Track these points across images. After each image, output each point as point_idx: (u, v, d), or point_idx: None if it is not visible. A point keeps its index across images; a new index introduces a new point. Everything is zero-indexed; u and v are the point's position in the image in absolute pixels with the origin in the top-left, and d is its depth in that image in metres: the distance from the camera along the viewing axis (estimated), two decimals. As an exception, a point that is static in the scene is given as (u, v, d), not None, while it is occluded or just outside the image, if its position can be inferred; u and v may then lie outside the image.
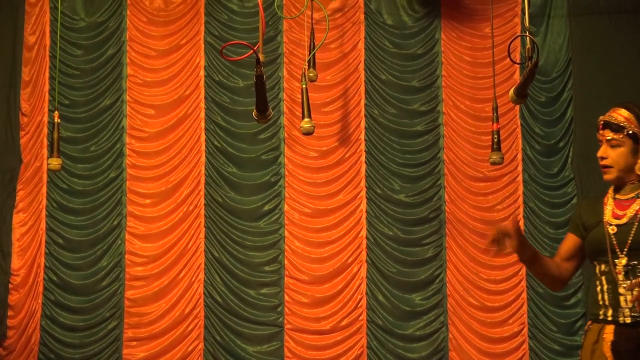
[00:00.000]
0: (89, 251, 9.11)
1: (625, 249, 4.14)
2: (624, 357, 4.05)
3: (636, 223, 4.16)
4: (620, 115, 4.23)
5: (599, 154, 4.30)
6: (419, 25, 9.49)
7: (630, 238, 4.13)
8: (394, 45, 9.47)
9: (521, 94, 4.28)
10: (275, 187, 9.24)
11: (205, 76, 9.37)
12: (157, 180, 9.22)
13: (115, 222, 9.15)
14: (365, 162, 9.27)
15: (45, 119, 9.18)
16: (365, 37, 9.45)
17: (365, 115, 9.37)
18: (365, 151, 9.30)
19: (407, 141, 9.35)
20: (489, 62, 8.64)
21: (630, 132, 4.18)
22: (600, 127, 4.29)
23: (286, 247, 9.15)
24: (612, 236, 4.18)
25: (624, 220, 4.19)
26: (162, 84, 9.35)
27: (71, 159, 9.10)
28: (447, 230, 9.21)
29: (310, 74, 6.62)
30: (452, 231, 9.20)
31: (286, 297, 9.07)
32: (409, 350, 9.06)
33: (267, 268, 9.13)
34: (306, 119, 5.44)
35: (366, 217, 9.18)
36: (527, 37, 4.31)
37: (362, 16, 9.46)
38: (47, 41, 9.29)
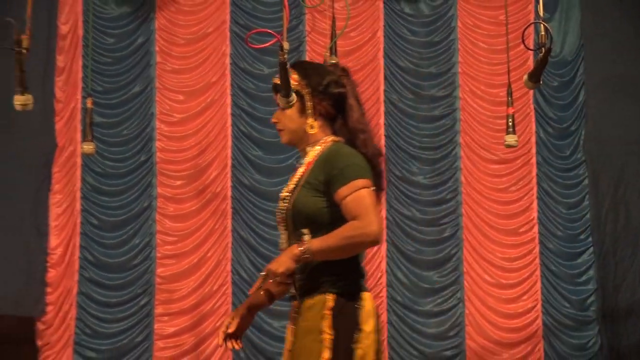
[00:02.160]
0: (121, 231, 9.23)
1: (284, 225, 3.66)
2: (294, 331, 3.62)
3: (290, 194, 3.63)
4: None
5: (272, 119, 3.80)
6: (436, 13, 9.73)
7: (283, 214, 3.64)
8: (412, 33, 9.70)
9: (535, 79, 4.36)
10: (299, 170, 9.42)
11: (231, 63, 9.52)
12: (186, 163, 9.34)
13: (146, 204, 9.28)
14: (385, 145, 9.44)
15: (79, 105, 9.27)
16: (384, 26, 9.65)
17: (384, 101, 9.59)
18: (384, 135, 9.51)
19: (425, 125, 9.58)
20: (503, 49, 8.74)
21: (293, 90, 3.62)
22: (273, 91, 3.76)
23: (309, 226, 9.32)
24: (279, 211, 3.68)
25: (287, 192, 3.68)
26: (190, 70, 9.49)
27: (104, 143, 9.17)
28: (464, 211, 9.46)
29: (332, 61, 6.80)
30: (468, 211, 9.45)
31: (309, 275, 9.26)
32: (427, 325, 9.30)
33: (290, 247, 9.30)
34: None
35: (386, 199, 9.32)
36: (541, 24, 4.38)
37: (382, 5, 9.67)
38: (80, 30, 9.39)
